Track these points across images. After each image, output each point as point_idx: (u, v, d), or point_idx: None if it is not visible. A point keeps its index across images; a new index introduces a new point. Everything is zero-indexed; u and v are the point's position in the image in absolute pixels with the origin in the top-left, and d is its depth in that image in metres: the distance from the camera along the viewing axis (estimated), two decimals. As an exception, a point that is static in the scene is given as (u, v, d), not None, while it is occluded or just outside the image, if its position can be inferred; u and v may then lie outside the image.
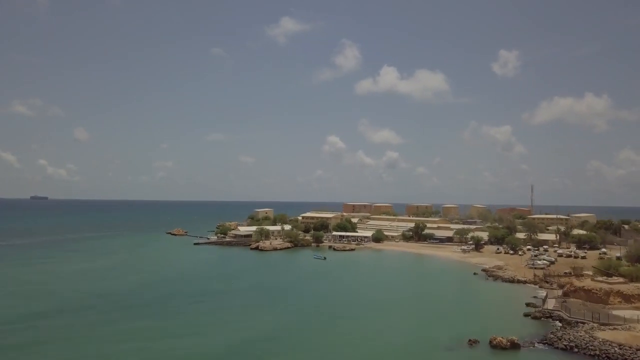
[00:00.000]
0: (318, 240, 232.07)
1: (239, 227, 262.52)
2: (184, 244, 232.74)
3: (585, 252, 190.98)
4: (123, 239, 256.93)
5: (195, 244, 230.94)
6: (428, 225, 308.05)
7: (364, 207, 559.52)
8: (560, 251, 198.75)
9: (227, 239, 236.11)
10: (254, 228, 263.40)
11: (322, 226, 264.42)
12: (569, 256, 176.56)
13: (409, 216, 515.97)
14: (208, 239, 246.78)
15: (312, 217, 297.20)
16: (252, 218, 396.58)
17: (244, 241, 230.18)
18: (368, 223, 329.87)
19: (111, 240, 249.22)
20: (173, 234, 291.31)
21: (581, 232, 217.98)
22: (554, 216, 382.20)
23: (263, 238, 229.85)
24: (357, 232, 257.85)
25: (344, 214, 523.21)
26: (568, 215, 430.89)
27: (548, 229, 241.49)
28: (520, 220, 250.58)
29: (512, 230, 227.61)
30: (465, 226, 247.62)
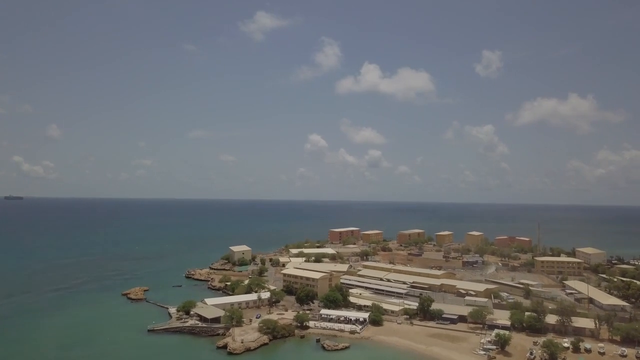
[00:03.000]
0: (302, 324, 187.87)
1: (206, 301, 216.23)
2: (135, 327, 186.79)
3: (639, 354, 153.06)
4: (55, 319, 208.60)
5: (149, 330, 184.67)
6: (430, 280, 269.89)
7: (351, 234, 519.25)
8: (601, 346, 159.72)
9: (190, 324, 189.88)
10: (226, 300, 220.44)
11: (307, 296, 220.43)
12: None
13: (401, 245, 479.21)
14: (169, 321, 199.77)
15: (296, 277, 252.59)
16: (226, 260, 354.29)
17: (210, 328, 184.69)
18: (360, 276, 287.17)
19: (40, 322, 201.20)
20: (129, 298, 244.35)
21: (622, 323, 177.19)
22: (565, 259, 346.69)
23: (234, 324, 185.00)
24: (349, 307, 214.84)
25: (332, 242, 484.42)
26: (573, 250, 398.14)
27: (579, 312, 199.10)
28: (551, 304, 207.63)
29: (539, 313, 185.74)
30: (479, 306, 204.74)
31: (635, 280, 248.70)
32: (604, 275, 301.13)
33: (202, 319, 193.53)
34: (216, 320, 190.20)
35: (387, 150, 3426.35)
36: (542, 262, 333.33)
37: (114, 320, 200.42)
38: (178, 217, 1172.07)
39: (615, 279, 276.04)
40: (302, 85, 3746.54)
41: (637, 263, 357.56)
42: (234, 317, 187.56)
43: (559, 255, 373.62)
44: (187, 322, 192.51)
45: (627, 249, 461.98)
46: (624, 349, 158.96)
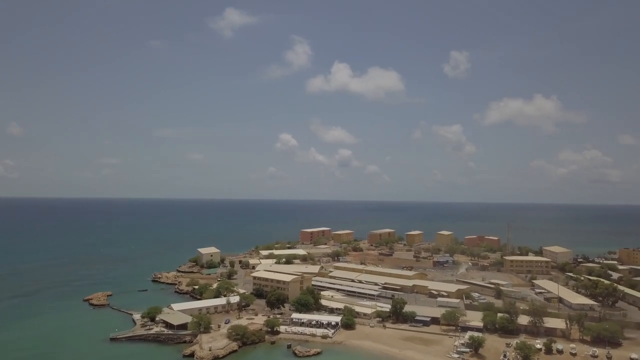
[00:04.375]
0: (273, 329, 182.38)
1: (173, 306, 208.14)
2: (96, 336, 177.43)
3: (610, 355, 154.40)
4: (9, 330, 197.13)
5: (111, 339, 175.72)
6: (402, 281, 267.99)
7: (322, 234, 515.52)
8: (573, 347, 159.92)
9: (155, 331, 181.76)
10: (193, 305, 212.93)
11: (278, 299, 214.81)
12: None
13: (372, 245, 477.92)
14: (132, 328, 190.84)
15: (266, 279, 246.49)
16: (194, 262, 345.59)
17: (177, 336, 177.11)
18: (331, 277, 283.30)
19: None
20: (91, 304, 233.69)
21: (593, 323, 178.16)
22: (533, 258, 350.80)
23: (202, 330, 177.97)
24: (321, 310, 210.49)
25: (303, 243, 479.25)
26: (540, 249, 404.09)
27: (551, 315, 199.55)
28: (523, 305, 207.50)
29: (512, 314, 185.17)
30: (451, 308, 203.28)
31: (602, 279, 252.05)
32: (571, 274, 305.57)
33: (168, 325, 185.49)
34: (183, 326, 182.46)
35: (357, 150, 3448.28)
36: (511, 261, 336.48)
37: (73, 329, 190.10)
38: (146, 217, 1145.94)
39: (582, 278, 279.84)
40: (272, 83, 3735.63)
41: (602, 261, 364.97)
42: (202, 323, 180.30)
43: (527, 255, 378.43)
44: (152, 329, 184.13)
45: (592, 247, 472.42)
46: (595, 349, 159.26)
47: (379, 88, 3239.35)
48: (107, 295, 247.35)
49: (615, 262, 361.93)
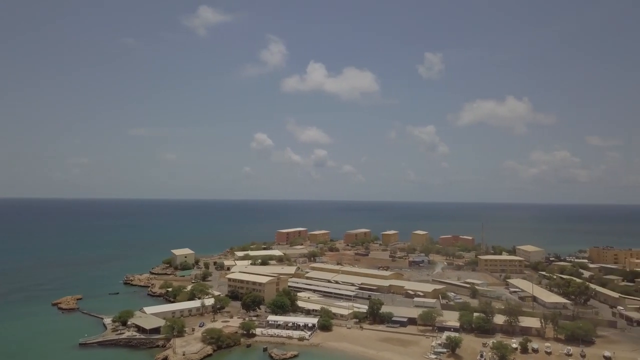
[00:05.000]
0: (248, 332, 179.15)
1: (145, 309, 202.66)
2: (65, 341, 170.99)
3: (584, 353, 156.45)
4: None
5: (81, 344, 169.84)
6: (378, 281, 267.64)
7: (298, 234, 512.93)
8: (548, 346, 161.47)
9: (127, 335, 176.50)
10: (167, 308, 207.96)
11: (253, 301, 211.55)
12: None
13: (348, 245, 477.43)
14: (103, 333, 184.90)
15: (242, 281, 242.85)
16: (168, 264, 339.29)
17: (149, 340, 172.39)
18: (308, 278, 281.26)
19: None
20: (60, 308, 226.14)
21: (567, 322, 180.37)
22: (507, 257, 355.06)
23: (175, 334, 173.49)
24: (298, 312, 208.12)
25: (279, 243, 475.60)
26: (513, 248, 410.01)
27: (526, 312, 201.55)
28: (498, 304, 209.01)
29: (488, 313, 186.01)
30: (428, 308, 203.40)
31: (574, 278, 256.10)
32: (543, 273, 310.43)
33: (140, 329, 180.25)
34: (156, 330, 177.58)
35: (333, 150, 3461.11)
36: (486, 260, 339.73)
37: (40, 335, 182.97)
38: (117, 218, 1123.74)
39: (555, 277, 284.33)
40: (247, 83, 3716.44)
41: (573, 260, 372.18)
42: (175, 326, 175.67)
43: (500, 254, 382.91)
44: (123, 333, 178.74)
45: (563, 246, 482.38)
46: (569, 347, 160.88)
47: (354, 88, 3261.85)
48: (77, 299, 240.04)
49: (586, 261, 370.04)
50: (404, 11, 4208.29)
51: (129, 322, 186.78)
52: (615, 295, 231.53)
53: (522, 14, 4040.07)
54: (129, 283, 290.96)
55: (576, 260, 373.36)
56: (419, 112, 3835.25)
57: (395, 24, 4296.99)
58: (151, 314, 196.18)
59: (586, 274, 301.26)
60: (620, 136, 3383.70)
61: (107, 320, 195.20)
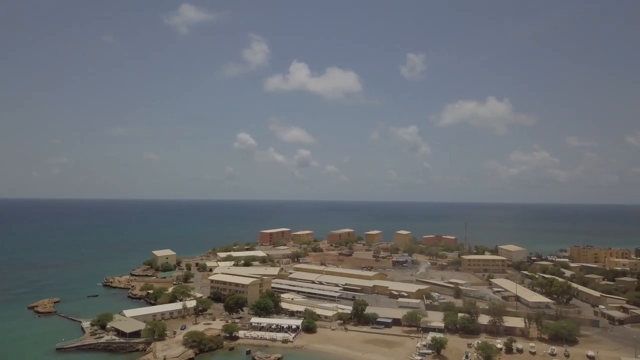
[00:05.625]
0: (231, 334, 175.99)
1: (125, 312, 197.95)
2: (42, 346, 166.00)
3: (567, 353, 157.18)
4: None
5: (58, 349, 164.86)
6: (362, 282, 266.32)
7: (282, 235, 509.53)
8: (532, 346, 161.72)
9: (106, 340, 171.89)
10: (147, 311, 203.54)
11: (236, 303, 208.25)
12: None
13: (331, 245, 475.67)
14: (81, 337, 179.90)
15: (224, 283, 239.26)
16: (149, 265, 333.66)
17: (129, 344, 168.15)
18: (291, 279, 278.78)
19: None
20: (37, 311, 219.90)
21: (551, 321, 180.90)
22: (490, 257, 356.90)
23: (156, 337, 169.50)
24: (281, 313, 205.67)
25: (262, 244, 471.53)
26: (496, 248, 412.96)
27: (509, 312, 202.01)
28: (482, 304, 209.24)
29: (472, 314, 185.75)
30: (413, 308, 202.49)
31: (557, 277, 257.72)
32: (526, 272, 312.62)
33: (119, 333, 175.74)
34: (136, 334, 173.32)
35: (316, 150, 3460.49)
36: (469, 260, 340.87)
37: (16, 339, 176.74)
38: (97, 218, 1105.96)
39: (537, 276, 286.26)
40: (230, 82, 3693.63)
41: (554, 259, 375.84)
42: (156, 330, 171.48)
43: (483, 253, 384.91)
44: (102, 337, 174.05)
45: (543, 245, 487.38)
46: (553, 347, 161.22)
47: (337, 88, 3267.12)
48: (54, 302, 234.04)
49: (567, 260, 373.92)
50: (386, 11, 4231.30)
51: (108, 326, 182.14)
52: (597, 294, 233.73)
53: (503, 15, 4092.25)
54: (108, 285, 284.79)
55: (557, 259, 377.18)
56: (401, 113, 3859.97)
57: (377, 25, 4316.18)
58: (131, 317, 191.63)
59: (568, 273, 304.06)
60: (598, 137, 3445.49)
61: (86, 324, 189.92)
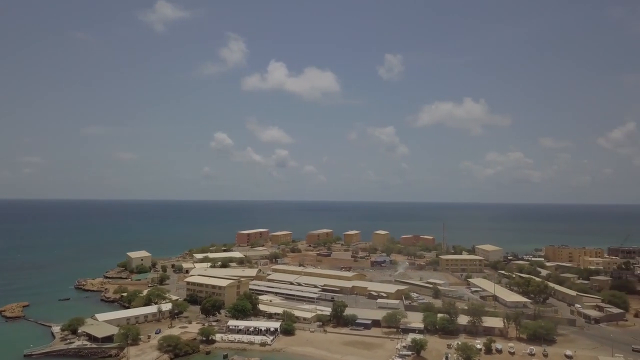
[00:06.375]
0: (208, 338, 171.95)
1: (97, 317, 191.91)
2: (8, 352, 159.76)
3: (546, 352, 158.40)
4: None
5: (26, 355, 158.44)
6: (341, 282, 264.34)
7: (260, 236, 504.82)
8: (511, 346, 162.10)
9: (77, 345, 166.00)
10: (120, 315, 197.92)
11: (213, 306, 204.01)
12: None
13: (310, 245, 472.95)
14: (51, 343, 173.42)
15: (201, 285, 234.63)
16: (123, 267, 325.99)
17: (101, 350, 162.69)
18: (270, 280, 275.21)
19: None
20: (4, 316, 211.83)
21: (529, 321, 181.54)
22: (467, 257, 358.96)
23: (129, 342, 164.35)
24: (259, 316, 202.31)
25: (240, 245, 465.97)
26: (473, 248, 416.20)
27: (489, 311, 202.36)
28: (461, 304, 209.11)
29: (452, 314, 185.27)
30: (392, 309, 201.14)
31: (534, 277, 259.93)
32: (503, 272, 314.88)
33: (91, 338, 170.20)
34: (108, 339, 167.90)
35: (294, 150, 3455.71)
36: (447, 260, 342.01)
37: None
38: (70, 219, 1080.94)
39: (514, 275, 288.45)
40: (206, 80, 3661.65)
41: (530, 259, 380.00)
42: (130, 334, 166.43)
43: (460, 253, 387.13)
44: (73, 343, 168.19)
45: (519, 245, 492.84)
46: (532, 347, 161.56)
47: (315, 88, 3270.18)
48: (23, 306, 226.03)
49: (543, 259, 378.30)
50: (364, 12, 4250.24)
51: (79, 331, 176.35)
52: (573, 293, 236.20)
53: (480, 18, 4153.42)
54: (80, 288, 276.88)
55: (533, 258, 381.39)
56: (379, 113, 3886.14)
57: (355, 25, 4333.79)
58: (104, 321, 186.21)
59: (544, 272, 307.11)
60: (571, 138, 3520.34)
61: (56, 329, 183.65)
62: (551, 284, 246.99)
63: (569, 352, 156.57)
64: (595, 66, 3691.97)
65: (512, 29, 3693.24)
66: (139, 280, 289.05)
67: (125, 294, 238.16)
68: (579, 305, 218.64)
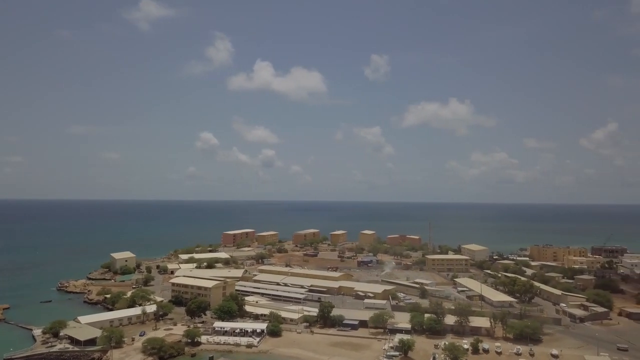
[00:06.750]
0: (193, 340, 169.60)
1: (80, 319, 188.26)
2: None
3: (532, 352, 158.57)
4: None
5: (6, 359, 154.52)
6: (328, 283, 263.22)
7: (246, 236, 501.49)
8: (498, 346, 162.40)
9: (58, 348, 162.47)
10: (104, 317, 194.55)
11: (199, 307, 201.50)
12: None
13: (297, 245, 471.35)
14: (32, 346, 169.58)
15: (186, 286, 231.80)
16: (107, 268, 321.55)
17: (83, 353, 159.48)
18: (256, 281, 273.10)
19: None
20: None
21: (515, 321, 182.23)
22: (453, 256, 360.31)
23: (113, 345, 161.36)
24: (245, 317, 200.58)
25: (226, 245, 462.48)
26: (459, 247, 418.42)
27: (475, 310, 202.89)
28: (448, 304, 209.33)
29: (439, 314, 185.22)
30: (379, 309, 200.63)
31: (519, 276, 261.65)
32: (488, 271, 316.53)
33: (73, 341, 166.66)
34: (91, 342, 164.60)
35: (281, 150, 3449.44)
36: (433, 260, 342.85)
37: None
38: (53, 220, 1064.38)
39: (500, 275, 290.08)
40: (192, 80, 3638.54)
41: (515, 258, 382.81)
42: (113, 337, 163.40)
43: (446, 253, 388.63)
44: (54, 346, 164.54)
45: (504, 244, 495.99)
46: (518, 347, 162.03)
47: (301, 88, 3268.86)
48: (3, 309, 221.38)
49: (527, 259, 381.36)
50: (351, 12, 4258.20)
51: (61, 334, 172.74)
52: (558, 292, 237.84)
53: (466, 19, 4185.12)
54: (63, 290, 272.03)
55: (518, 258, 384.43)
56: (365, 113, 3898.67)
57: (342, 25, 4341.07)
58: (86, 324, 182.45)
59: (529, 271, 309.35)
60: (554, 139, 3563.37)
61: (37, 332, 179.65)
62: (536, 284, 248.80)
63: (555, 352, 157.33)
64: (578, 68, 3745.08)
65: (498, 30, 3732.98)
66: (123, 281, 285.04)
67: (108, 296, 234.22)
68: (564, 305, 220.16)
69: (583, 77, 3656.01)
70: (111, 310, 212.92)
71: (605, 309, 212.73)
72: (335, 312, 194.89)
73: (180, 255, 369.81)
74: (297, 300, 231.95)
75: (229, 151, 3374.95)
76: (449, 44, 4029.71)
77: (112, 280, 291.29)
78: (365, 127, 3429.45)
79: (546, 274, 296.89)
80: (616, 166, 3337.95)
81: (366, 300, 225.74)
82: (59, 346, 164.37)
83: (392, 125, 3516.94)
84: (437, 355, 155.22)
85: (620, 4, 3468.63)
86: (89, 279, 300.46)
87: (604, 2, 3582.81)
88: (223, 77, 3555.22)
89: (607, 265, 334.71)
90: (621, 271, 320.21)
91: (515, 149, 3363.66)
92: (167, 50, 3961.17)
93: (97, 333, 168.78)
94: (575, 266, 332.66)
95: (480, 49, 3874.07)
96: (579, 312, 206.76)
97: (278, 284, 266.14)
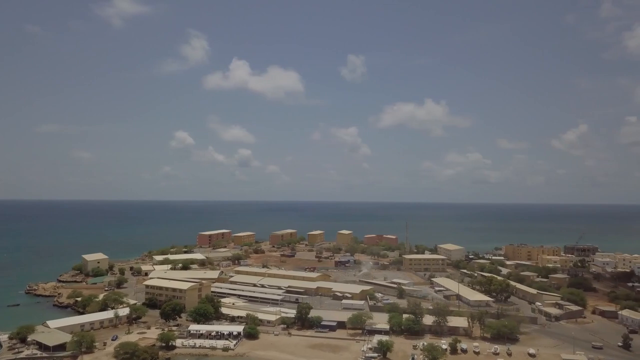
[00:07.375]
0: (168, 344, 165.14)
1: (49, 323, 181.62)
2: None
3: (510, 351, 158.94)
4: None
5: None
6: (306, 283, 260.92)
7: (222, 237, 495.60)
8: (476, 346, 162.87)
9: (26, 355, 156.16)
10: (74, 321, 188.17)
11: (173, 310, 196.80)
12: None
13: (274, 246, 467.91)
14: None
15: (160, 288, 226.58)
16: (78, 270, 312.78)
17: (52, 359, 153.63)
18: (232, 283, 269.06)
19: None
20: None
21: (493, 320, 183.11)
22: (430, 256, 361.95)
23: (83, 350, 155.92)
24: (222, 319, 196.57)
25: (201, 246, 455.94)
26: (435, 247, 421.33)
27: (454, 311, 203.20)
28: (425, 304, 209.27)
29: (417, 315, 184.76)
30: (357, 310, 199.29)
31: (495, 276, 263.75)
32: (465, 271, 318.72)
33: (42, 347, 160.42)
34: (61, 347, 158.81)
35: (257, 150, 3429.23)
36: (410, 260, 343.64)
37: None
38: (22, 221, 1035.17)
39: (476, 274, 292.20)
40: (167, 78, 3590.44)
41: (490, 257, 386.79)
42: (84, 341, 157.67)
43: (423, 253, 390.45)
44: (21, 352, 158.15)
45: (479, 244, 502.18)
46: (496, 346, 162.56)
47: (278, 88, 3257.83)
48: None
49: (502, 258, 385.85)
50: (327, 12, 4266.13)
51: (29, 339, 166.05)
52: (534, 291, 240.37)
53: (441, 20, 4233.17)
54: (31, 293, 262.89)
55: (493, 257, 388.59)
56: (342, 114, 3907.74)
57: (319, 25, 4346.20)
58: (56, 328, 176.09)
59: (504, 271, 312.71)
60: (526, 139, 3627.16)
61: (4, 338, 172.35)
62: (512, 283, 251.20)
63: (532, 351, 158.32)
64: (550, 70, 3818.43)
65: (472, 32, 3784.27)
66: (95, 284, 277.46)
67: (79, 299, 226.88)
68: (539, 304, 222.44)
69: (555, 79, 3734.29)
70: (82, 313, 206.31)
71: (580, 308, 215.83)
72: (313, 313, 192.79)
73: (154, 257, 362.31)
74: (274, 302, 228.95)
75: (204, 151, 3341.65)
76: (424, 44, 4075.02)
77: (84, 283, 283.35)
78: (342, 127, 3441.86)
79: (521, 273, 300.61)
80: (587, 167, 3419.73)
81: (344, 301, 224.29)
82: (27, 352, 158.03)
83: (369, 126, 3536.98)
84: (415, 356, 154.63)
85: (590, 8, 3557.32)
86: (60, 281, 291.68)
87: (575, 6, 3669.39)
88: (199, 75, 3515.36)
89: (579, 264, 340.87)
90: (593, 270, 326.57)
91: (489, 149, 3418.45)
92: (142, 48, 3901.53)
93: (66, 338, 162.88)
94: (549, 265, 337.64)
95: (455, 50, 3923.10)
96: (554, 311, 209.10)
97: (255, 285, 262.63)
